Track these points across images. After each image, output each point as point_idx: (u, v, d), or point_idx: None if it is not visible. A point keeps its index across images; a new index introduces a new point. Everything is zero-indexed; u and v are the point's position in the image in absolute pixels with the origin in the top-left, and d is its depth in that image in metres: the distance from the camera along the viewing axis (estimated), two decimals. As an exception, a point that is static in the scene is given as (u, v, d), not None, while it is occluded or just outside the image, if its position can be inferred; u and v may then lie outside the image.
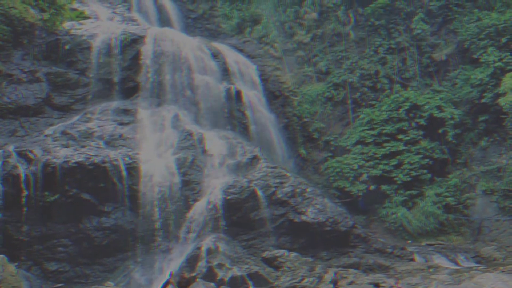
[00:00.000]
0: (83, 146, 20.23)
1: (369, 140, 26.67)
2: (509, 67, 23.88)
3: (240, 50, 27.75)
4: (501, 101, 22.45)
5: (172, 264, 18.71)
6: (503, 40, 24.64)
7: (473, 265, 20.56)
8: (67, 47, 23.60)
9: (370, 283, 16.40)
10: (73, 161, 19.31)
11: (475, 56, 25.91)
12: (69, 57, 23.63)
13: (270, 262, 19.71)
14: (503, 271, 16.83)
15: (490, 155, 24.86)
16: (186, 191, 20.40)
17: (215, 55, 25.58)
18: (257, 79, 26.43)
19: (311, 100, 28.26)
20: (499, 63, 24.39)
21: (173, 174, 20.46)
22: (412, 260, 21.57)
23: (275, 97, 27.10)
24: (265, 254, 19.82)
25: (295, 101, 27.71)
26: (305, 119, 27.72)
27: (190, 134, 22.05)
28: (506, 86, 22.19)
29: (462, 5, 28.17)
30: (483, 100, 24.80)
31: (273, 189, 21.32)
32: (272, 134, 25.71)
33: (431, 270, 19.72)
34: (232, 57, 26.24)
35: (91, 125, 21.48)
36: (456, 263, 20.72)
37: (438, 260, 21.19)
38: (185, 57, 24.46)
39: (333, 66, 28.99)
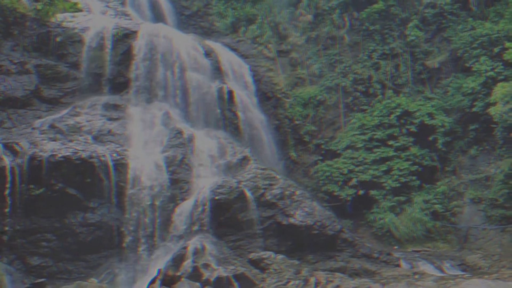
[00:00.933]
0: (71, 141, 19.96)
1: (360, 145, 26.69)
2: (500, 77, 24.00)
3: (234, 50, 27.61)
4: (492, 110, 22.54)
5: (157, 262, 18.51)
6: (496, 50, 24.78)
7: (459, 273, 20.63)
8: (58, 39, 23.28)
9: (355, 288, 16.35)
10: (60, 155, 19.03)
11: (467, 65, 26.03)
12: (60, 49, 23.31)
13: (256, 263, 19.63)
14: (487, 279, 16.89)
15: (479, 163, 24.99)
16: (174, 190, 20.20)
17: (208, 54, 25.41)
18: (249, 80, 26.33)
19: (303, 103, 28.20)
20: (491, 73, 24.52)
21: (162, 172, 20.27)
22: (398, 266, 21.60)
23: (267, 98, 27.00)
24: (251, 255, 19.73)
25: (287, 103, 27.63)
26: (297, 122, 27.65)
27: (180, 132, 21.87)
28: (497, 96, 22.29)
29: (457, 13, 28.32)
30: (474, 109, 24.93)
31: (262, 190, 21.22)
32: (263, 136, 25.61)
33: (416, 276, 19.75)
34: (225, 56, 26.09)
35: (80, 120, 21.21)
36: (442, 270, 20.78)
37: (424, 266, 21.25)
38: (177, 54, 24.26)
39: (326, 69, 28.98)
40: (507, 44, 22.98)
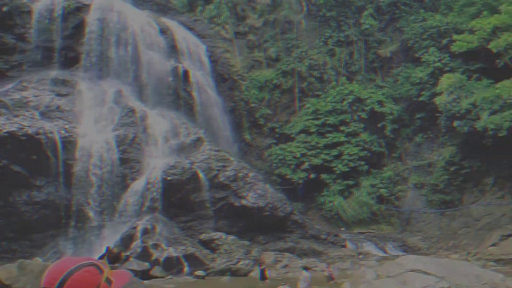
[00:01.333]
0: (17, 116, 19.11)
1: (313, 130, 27.19)
2: (446, 68, 25.03)
3: (190, 29, 27.15)
4: (437, 100, 23.51)
5: (105, 242, 18.23)
6: (444, 41, 25.73)
7: (400, 253, 21.63)
8: (4, 9, 22.01)
9: (301, 267, 16.85)
10: (4, 130, 18.20)
11: (417, 55, 26.93)
12: (7, 20, 22.07)
13: (207, 244, 19.78)
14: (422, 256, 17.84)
15: (423, 151, 26.12)
16: (125, 169, 19.87)
17: (164, 31, 24.88)
18: (206, 60, 26.04)
19: (259, 86, 28.29)
20: (438, 64, 25.52)
21: (112, 151, 19.84)
22: (344, 246, 22.43)
23: (224, 79, 26.86)
24: (202, 236, 19.84)
25: (244, 85, 27.62)
26: (252, 105, 27.73)
27: (132, 110, 21.43)
28: (443, 86, 23.24)
29: (410, 4, 29.10)
30: (421, 98, 25.90)
31: (216, 172, 21.25)
32: (218, 117, 25.52)
33: (360, 256, 20.61)
34: (182, 35, 25.64)
35: (27, 94, 20.30)
36: (384, 251, 21.73)
37: (368, 247, 22.18)
38: (132, 30, 23.61)
39: (283, 53, 29.11)
40: (455, 37, 23.90)
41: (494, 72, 23.13)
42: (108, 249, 14.64)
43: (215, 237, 19.66)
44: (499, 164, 23.30)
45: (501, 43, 21.41)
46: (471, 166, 23.83)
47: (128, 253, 16.90)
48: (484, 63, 24.31)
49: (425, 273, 6.53)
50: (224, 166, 21.66)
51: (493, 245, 21.57)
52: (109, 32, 22.91)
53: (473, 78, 24.04)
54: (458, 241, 22.71)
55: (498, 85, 21.73)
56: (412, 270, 6.72)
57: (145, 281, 15.62)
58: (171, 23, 25.88)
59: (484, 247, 21.63)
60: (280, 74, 28.60)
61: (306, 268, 14.00)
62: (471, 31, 23.44)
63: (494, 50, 21.87)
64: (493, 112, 21.75)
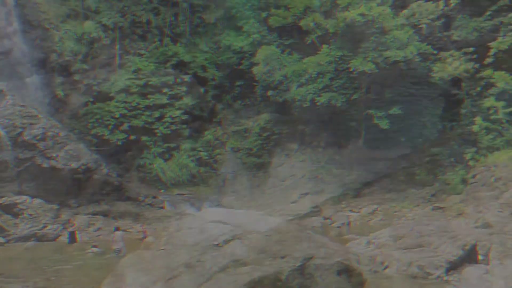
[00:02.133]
0: None
1: (134, 90, 26.36)
2: (264, 41, 26.71)
3: (-10, -38, 23.28)
4: (255, 70, 25.08)
5: None
6: (263, 15, 27.29)
7: (215, 212, 22.97)
8: None
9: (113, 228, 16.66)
10: None
11: (239, 25, 28.02)
12: None
13: (8, 209, 18.08)
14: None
15: (240, 116, 27.79)
16: None
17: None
18: (11, 2, 22.82)
19: (75, 38, 25.93)
20: (257, 35, 27.05)
21: None
22: (163, 208, 22.82)
23: (32, 27, 23.92)
24: (2, 200, 18.00)
25: (57, 36, 25.02)
26: (67, 58, 25.40)
27: None
28: (260, 57, 24.86)
29: (234, -28, 29.79)
30: (241, 67, 27.26)
31: (20, 130, 19.22)
32: (25, 69, 22.81)
33: (177, 216, 21.21)
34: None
35: None
36: (200, 211, 22.78)
37: (186, 208, 22.95)
38: None
39: (103, 5, 27.13)
40: (273, 11, 25.55)
41: (303, 48, 25.61)
42: None
43: (17, 201, 18.04)
44: (302, 131, 26.27)
45: (310, 22, 23.76)
46: (280, 133, 26.31)
47: None
48: (295, 39, 26.68)
49: (224, 223, 7.11)
50: (30, 124, 19.70)
51: (294, 202, 24.49)
52: None
53: (286, 52, 26.20)
54: (266, 200, 25.09)
55: (305, 60, 24.21)
56: (212, 221, 7.25)
57: None
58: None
59: (287, 204, 24.40)
60: (100, 28, 26.63)
61: (117, 229, 13.84)
62: (287, 8, 25.34)
63: (304, 28, 24.15)
64: (300, 85, 24.22)
